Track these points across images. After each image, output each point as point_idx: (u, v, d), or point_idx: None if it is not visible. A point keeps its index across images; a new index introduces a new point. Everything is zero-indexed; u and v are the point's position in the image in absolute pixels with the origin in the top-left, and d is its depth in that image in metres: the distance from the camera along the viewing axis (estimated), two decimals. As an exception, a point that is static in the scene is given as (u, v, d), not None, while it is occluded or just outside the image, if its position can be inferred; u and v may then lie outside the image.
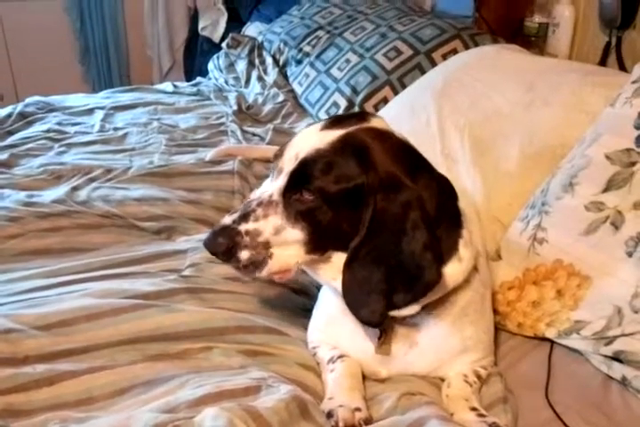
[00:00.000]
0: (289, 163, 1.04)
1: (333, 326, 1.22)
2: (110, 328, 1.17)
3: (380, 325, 1.07)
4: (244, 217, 1.04)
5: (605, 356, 1.19)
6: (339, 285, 1.06)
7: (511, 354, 1.29)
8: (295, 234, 1.03)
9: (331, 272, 1.08)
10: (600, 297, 1.22)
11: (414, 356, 1.16)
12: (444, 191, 1.08)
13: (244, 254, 1.03)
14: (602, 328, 1.20)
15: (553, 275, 1.31)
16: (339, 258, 1.06)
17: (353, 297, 1.04)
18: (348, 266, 1.03)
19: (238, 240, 1.03)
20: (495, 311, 1.35)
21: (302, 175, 1.02)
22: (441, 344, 1.16)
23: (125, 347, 1.15)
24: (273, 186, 1.05)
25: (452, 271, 1.06)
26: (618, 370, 1.17)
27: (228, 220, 1.04)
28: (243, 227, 1.03)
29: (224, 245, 1.03)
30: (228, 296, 1.35)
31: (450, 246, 1.06)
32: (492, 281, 1.33)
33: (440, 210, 1.04)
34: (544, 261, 1.33)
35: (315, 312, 1.28)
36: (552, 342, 1.28)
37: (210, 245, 1.05)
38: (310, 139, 1.05)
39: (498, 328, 1.35)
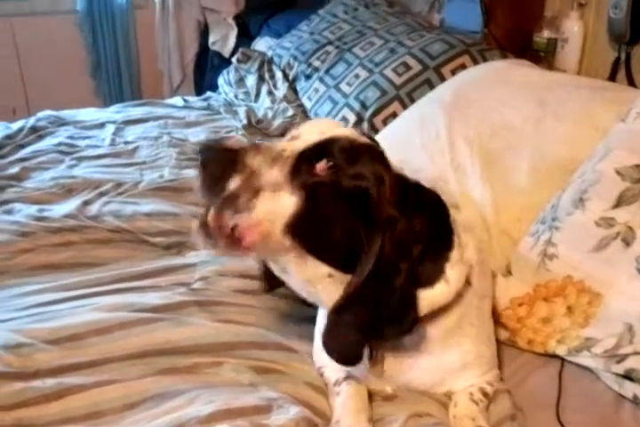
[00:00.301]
0: (311, 134, 0.97)
1: None
2: (119, 342, 1.18)
3: (357, 363, 1.04)
4: (252, 153, 0.93)
5: (617, 374, 1.18)
6: (307, 290, 1.05)
7: (521, 371, 1.28)
8: (288, 203, 0.93)
9: (301, 274, 1.02)
10: (611, 314, 1.22)
11: (412, 373, 1.15)
12: (435, 216, 1.05)
13: (233, 184, 0.90)
14: (613, 346, 1.19)
15: (563, 291, 1.30)
16: (313, 264, 0.99)
17: (334, 340, 1.01)
18: (337, 310, 0.98)
19: (238, 168, 0.90)
20: (505, 327, 1.35)
21: (324, 150, 0.95)
22: (437, 361, 1.15)
23: (135, 361, 1.15)
24: (288, 145, 0.96)
25: (439, 292, 1.04)
26: (629, 389, 1.16)
27: (237, 145, 0.93)
28: (248, 160, 0.92)
29: (223, 162, 0.91)
30: (237, 309, 1.36)
31: (437, 270, 1.03)
32: (493, 291, 1.31)
33: (429, 239, 1.01)
34: (554, 277, 1.32)
35: (316, 331, 1.27)
36: (563, 359, 1.27)
37: (207, 156, 0.91)
38: (339, 128, 1.01)
39: (508, 345, 1.34)
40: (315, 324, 1.30)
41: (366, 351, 1.09)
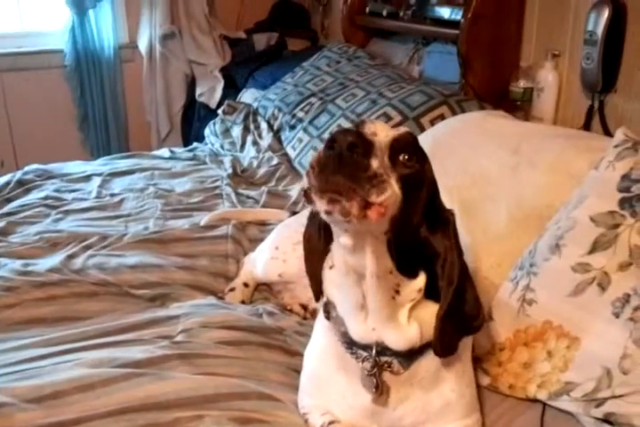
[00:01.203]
0: (384, 131, 0.99)
1: (322, 389, 1.22)
2: (102, 399, 1.17)
3: (454, 353, 1.12)
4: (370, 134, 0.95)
5: (596, 418, 1.19)
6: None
7: (504, 417, 1.28)
8: (396, 188, 0.94)
9: (370, 263, 1.03)
10: (589, 358, 1.23)
11: (404, 410, 1.15)
12: None
13: (375, 163, 0.91)
14: (592, 390, 1.20)
15: (543, 336, 1.32)
16: (384, 256, 1.02)
17: (448, 336, 1.09)
18: (447, 308, 1.06)
19: (374, 149, 0.92)
20: (486, 373, 1.36)
21: (407, 142, 0.99)
22: (428, 396, 1.16)
23: (117, 417, 1.14)
24: (377, 138, 0.96)
25: None
26: (609, 433, 1.16)
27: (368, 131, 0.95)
28: (373, 138, 0.94)
29: (365, 140, 0.91)
30: (220, 361, 1.36)
31: None
32: (477, 340, 1.33)
33: None
34: (534, 323, 1.34)
35: (302, 377, 1.28)
36: (545, 404, 1.28)
37: (344, 137, 0.89)
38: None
39: (490, 390, 1.35)
40: (299, 374, 1.31)
41: (373, 380, 1.12)
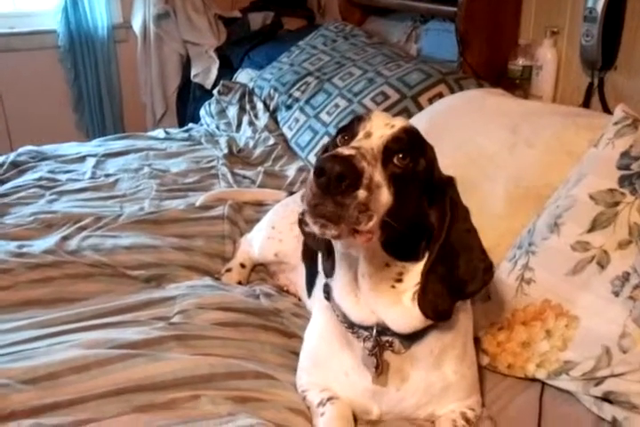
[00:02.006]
0: (380, 128, 1.02)
1: (322, 367, 1.22)
2: (97, 380, 1.16)
3: (448, 319, 1.11)
4: (359, 158, 0.93)
5: (596, 397, 1.19)
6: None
7: (503, 397, 1.28)
8: (387, 197, 0.96)
9: (367, 261, 1.07)
10: (588, 337, 1.22)
11: (405, 391, 1.16)
12: None
13: (362, 194, 0.91)
14: (591, 369, 1.19)
15: (542, 315, 1.31)
16: (380, 253, 1.05)
17: (433, 294, 1.06)
18: (432, 264, 1.06)
19: (362, 179, 0.92)
20: (485, 352, 1.36)
21: (401, 141, 1.01)
22: (427, 378, 1.16)
23: (112, 398, 1.14)
24: (370, 143, 0.99)
25: None
26: (608, 411, 1.16)
27: (347, 151, 0.93)
28: (360, 165, 0.92)
29: (353, 171, 0.90)
30: (217, 342, 1.35)
31: None
32: (476, 320, 1.32)
33: None
34: (532, 302, 1.33)
35: (302, 355, 1.28)
36: (543, 383, 1.28)
37: (332, 165, 0.89)
38: (401, 120, 1.06)
39: (489, 370, 1.34)
40: (297, 355, 1.31)
41: (373, 360, 1.12)
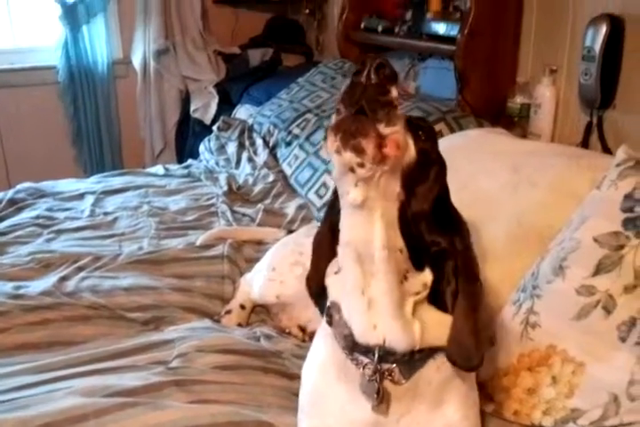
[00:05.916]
0: None
1: (321, 405, 1.18)
2: (95, 431, 1.14)
3: (480, 367, 1.10)
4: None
5: (605, 447, 1.16)
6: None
7: (510, 445, 1.26)
8: (410, 145, 0.98)
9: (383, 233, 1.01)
10: (595, 384, 1.20)
11: (405, 424, 1.12)
12: None
13: (395, 92, 0.93)
14: (599, 417, 1.17)
15: (547, 361, 1.29)
16: (395, 233, 1.01)
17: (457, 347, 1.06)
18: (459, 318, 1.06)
19: (397, 78, 0.95)
20: (491, 399, 1.33)
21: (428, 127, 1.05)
22: (430, 414, 1.12)
23: (110, 451, 1.12)
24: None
25: None
26: (617, 462, 1.13)
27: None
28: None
29: (390, 68, 0.93)
30: (217, 387, 1.33)
31: None
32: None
33: None
34: (538, 347, 1.31)
35: (300, 396, 1.24)
36: (550, 431, 1.25)
37: (375, 58, 0.93)
38: None
39: (494, 417, 1.32)
40: (297, 396, 1.28)
41: (374, 385, 1.08)
